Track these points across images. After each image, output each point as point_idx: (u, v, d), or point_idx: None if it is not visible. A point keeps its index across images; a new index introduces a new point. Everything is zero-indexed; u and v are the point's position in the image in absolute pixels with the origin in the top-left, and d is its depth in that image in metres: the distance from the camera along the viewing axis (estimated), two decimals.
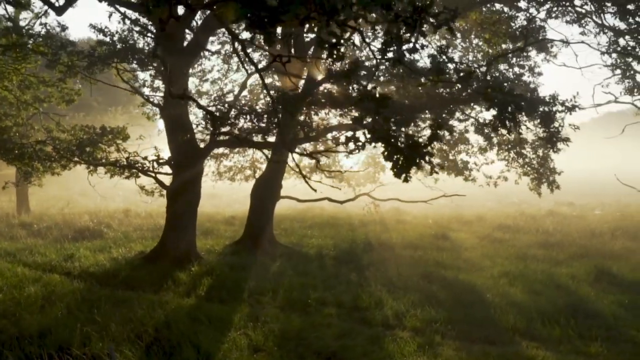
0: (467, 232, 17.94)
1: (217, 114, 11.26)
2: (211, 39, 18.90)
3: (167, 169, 12.53)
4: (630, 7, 11.66)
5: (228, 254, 13.38)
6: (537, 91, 15.26)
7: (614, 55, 11.73)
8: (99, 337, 6.33)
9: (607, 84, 14.40)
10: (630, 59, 11.32)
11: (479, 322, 7.89)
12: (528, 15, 12.15)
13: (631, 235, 15.85)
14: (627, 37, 11.15)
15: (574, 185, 44.71)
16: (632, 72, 11.80)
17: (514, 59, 16.79)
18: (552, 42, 13.60)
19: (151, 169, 12.38)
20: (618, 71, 12.13)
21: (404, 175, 3.53)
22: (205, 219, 20.31)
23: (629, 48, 11.12)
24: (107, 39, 13.17)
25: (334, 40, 2.88)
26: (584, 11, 12.90)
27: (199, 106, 4.44)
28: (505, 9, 12.81)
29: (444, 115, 11.03)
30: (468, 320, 7.96)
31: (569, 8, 12.16)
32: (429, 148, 3.42)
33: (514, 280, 10.71)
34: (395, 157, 3.40)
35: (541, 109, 9.60)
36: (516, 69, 16.63)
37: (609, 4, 11.52)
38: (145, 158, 12.64)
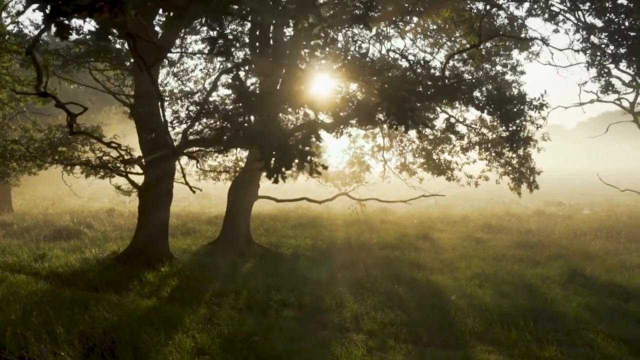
0: (450, 232, 17.79)
1: (186, 113, 11.17)
2: (194, 38, 18.85)
3: (138, 168, 12.43)
4: (608, 4, 11.49)
5: (202, 254, 13.30)
6: (515, 89, 15.19)
7: (588, 52, 11.55)
8: (37, 340, 6.21)
9: (585, 82, 14.23)
10: (605, 58, 11.13)
11: (437, 325, 7.74)
12: (503, 12, 11.96)
13: (613, 236, 15.65)
14: (602, 34, 10.95)
15: (568, 185, 44.49)
16: (606, 70, 11.61)
17: (497, 57, 16.72)
18: (509, 38, 13.43)
19: (122, 168, 12.28)
20: (593, 70, 11.98)
21: (274, 177, 3.39)
22: (189, 218, 20.26)
23: (603, 45, 10.95)
24: (81, 38, 13.08)
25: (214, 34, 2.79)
26: (563, 8, 12.73)
27: (58, 104, 4.33)
28: (480, 6, 12.65)
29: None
30: (427, 323, 7.82)
31: (548, 4, 11.97)
32: (307, 148, 3.28)
33: (485, 281, 10.55)
34: (267, 157, 3.27)
35: (507, 108, 9.43)
36: (499, 67, 16.60)
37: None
38: (117, 158, 12.54)
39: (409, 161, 18.84)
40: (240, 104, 3.55)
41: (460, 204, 26.72)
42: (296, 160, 3.19)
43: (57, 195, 29.50)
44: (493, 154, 14.87)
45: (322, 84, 10.89)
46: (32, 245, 13.93)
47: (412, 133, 18.30)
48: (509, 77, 16.42)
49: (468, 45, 16.57)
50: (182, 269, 11.25)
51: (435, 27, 17.23)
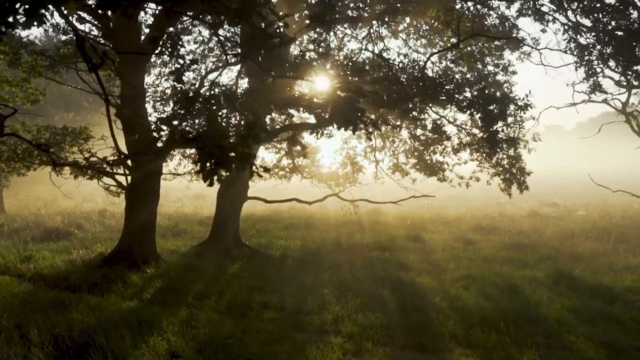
0: (442, 233, 17.74)
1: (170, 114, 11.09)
2: (187, 38, 18.79)
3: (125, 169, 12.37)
4: (596, 4, 11.42)
5: (190, 255, 13.24)
6: (507, 89, 15.12)
7: (575, 52, 11.46)
8: (8, 342, 6.16)
9: (574, 83, 14.16)
10: (593, 58, 11.05)
11: (417, 328, 7.67)
12: (492, 12, 11.90)
13: (604, 237, 15.57)
14: (590, 33, 10.87)
15: (566, 185, 44.32)
16: (593, 70, 11.53)
17: (489, 57, 16.66)
18: (492, 38, 13.37)
19: (109, 169, 12.22)
20: (582, 71, 11.88)
21: (210, 179, 3.33)
22: (182, 219, 20.22)
23: (590, 46, 10.87)
24: (67, 38, 13.05)
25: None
26: (552, 7, 12.67)
27: None
28: (470, 6, 12.58)
29: (393, 114, 10.79)
30: (407, 326, 7.74)
31: (536, 4, 11.91)
32: (246, 150, 3.22)
33: (471, 283, 10.49)
34: (203, 159, 3.21)
35: (490, 108, 9.35)
36: (490, 68, 16.55)
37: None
38: (104, 158, 12.49)
39: (401, 162, 18.77)
40: (180, 105, 3.50)
41: (455, 204, 26.65)
42: (235, 162, 3.13)
43: (52, 196, 29.44)
44: (484, 155, 14.79)
45: (307, 85, 10.87)
46: (20, 247, 13.87)
47: (405, 133, 18.29)
48: (500, 77, 16.40)
49: (460, 46, 16.57)
50: (168, 270, 11.20)
51: (427, 27, 17.19)
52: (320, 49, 4.60)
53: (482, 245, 15.25)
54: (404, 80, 9.25)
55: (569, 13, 11.60)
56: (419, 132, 16.61)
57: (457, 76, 14.70)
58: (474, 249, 14.66)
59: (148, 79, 17.57)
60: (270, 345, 6.77)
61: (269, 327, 7.64)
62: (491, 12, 15.30)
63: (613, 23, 10.14)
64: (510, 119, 12.41)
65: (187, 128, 10.47)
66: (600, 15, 10.43)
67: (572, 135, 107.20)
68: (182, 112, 3.42)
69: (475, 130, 15.54)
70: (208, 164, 3.16)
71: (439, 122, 12.28)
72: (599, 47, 10.45)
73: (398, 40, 18.67)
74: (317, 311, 8.48)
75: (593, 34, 10.76)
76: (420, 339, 7.29)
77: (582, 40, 10.91)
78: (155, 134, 3.46)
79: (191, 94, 3.33)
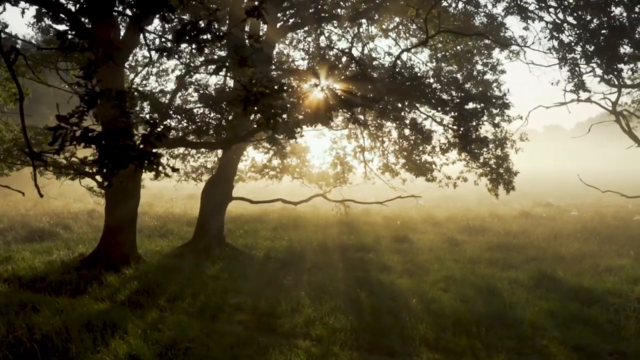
0: (431, 233, 17.58)
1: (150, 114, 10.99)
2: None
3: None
4: (581, 2, 11.28)
5: (172, 256, 13.12)
6: (496, 88, 14.99)
7: (559, 50, 11.30)
8: None
9: (558, 82, 13.98)
10: (576, 56, 10.89)
11: (388, 331, 7.53)
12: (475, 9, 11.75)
13: (592, 238, 15.40)
14: (573, 31, 10.71)
15: (563, 185, 44.13)
16: (578, 69, 11.35)
17: (477, 57, 16.51)
18: (466, 36, 13.21)
19: (88, 168, 12.11)
20: (565, 69, 11.71)
21: (109, 179, 3.21)
22: (170, 219, 20.11)
23: (572, 44, 10.71)
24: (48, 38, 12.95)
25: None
26: (536, 5, 12.51)
27: None
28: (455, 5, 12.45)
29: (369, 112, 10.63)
30: (378, 329, 7.61)
31: (519, 3, 11.75)
32: (153, 149, 3.10)
33: (452, 285, 10.35)
34: (102, 157, 3.09)
35: (466, 107, 9.20)
36: (479, 67, 16.40)
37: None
38: (84, 158, 12.36)
39: (391, 162, 18.62)
40: (84, 102, 3.40)
41: (447, 205, 26.48)
42: (136, 161, 3.01)
43: (45, 197, 29.42)
44: (470, 155, 14.63)
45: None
46: (1, 248, 13.78)
47: (395, 133, 18.13)
48: (489, 76, 16.25)
49: (451, 44, 16.42)
50: (147, 271, 11.07)
51: (415, 26, 17.04)
52: (257, 44, 4.43)
53: (469, 246, 15.10)
54: (373, 77, 9.12)
55: (553, 10, 11.43)
56: (407, 132, 16.48)
57: (447, 75, 14.55)
58: (460, 250, 14.51)
59: (137, 79, 17.41)
60: (234, 349, 6.65)
61: (237, 330, 7.52)
62: (479, 10, 15.19)
63: (595, 21, 9.99)
64: (498, 119, 12.25)
65: None
66: (584, 13, 10.26)
67: (571, 135, 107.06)
68: (85, 109, 3.30)
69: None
70: (110, 163, 3.04)
71: (420, 121, 12.11)
72: (581, 45, 10.30)
73: (388, 39, 18.55)
74: (289, 314, 8.35)
75: (576, 31, 10.59)
76: (390, 343, 7.16)
77: (564, 39, 10.78)
78: (53, 132, 3.32)
79: (97, 91, 3.20)
